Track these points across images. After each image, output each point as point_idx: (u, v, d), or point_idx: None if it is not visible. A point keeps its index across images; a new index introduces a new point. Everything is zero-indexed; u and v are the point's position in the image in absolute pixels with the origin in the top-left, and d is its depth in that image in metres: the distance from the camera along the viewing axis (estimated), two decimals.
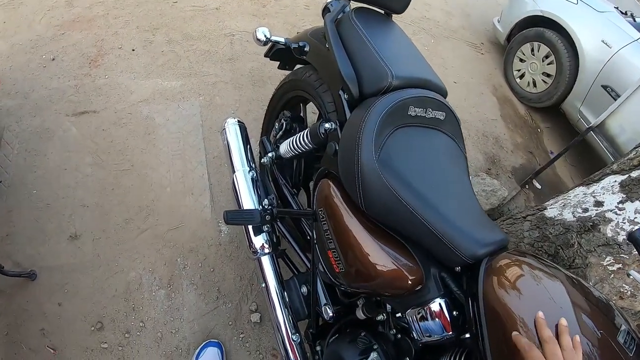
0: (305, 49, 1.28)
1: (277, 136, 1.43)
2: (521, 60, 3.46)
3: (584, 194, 1.78)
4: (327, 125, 1.07)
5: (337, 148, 1.01)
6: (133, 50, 2.26)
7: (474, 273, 0.81)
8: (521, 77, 3.48)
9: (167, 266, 1.58)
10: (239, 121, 1.45)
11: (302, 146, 1.21)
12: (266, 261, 1.26)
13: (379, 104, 0.94)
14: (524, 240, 1.87)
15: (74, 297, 1.50)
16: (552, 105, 3.30)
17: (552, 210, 1.83)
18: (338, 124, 1.07)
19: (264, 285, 1.25)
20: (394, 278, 0.88)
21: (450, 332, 0.82)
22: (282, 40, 1.31)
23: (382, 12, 1.27)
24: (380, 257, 0.90)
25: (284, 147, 1.30)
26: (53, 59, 2.15)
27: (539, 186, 2.76)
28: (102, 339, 1.44)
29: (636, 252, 1.03)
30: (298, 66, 1.50)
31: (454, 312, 0.82)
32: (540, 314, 0.67)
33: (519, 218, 1.97)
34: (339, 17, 1.20)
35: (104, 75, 2.11)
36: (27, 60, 2.14)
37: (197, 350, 1.45)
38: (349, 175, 0.92)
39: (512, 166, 2.84)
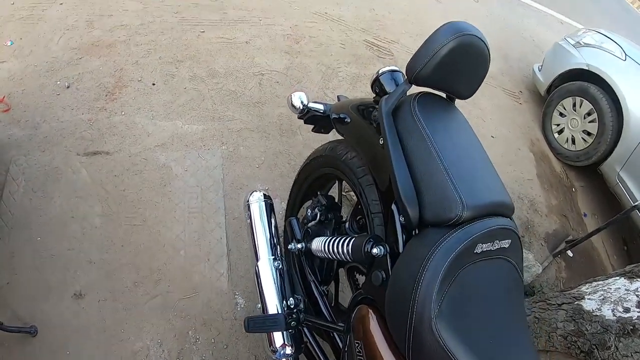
0: (346, 121, 1.40)
1: (309, 224, 1.57)
2: (561, 114, 3.83)
3: (626, 289, 1.87)
4: (375, 250, 1.09)
5: (384, 278, 1.06)
6: (153, 84, 2.55)
7: None
8: (560, 132, 3.84)
9: (177, 339, 1.77)
10: (264, 195, 1.62)
11: (340, 255, 1.30)
12: None
13: (446, 246, 0.96)
14: (557, 331, 1.96)
15: None
16: (589, 165, 3.59)
17: (590, 302, 1.93)
18: (388, 250, 1.09)
19: None
20: None
21: None
22: (320, 108, 1.48)
23: (444, 95, 1.33)
24: None
25: (317, 245, 1.42)
26: (68, 87, 2.45)
27: (570, 254, 3.08)
28: None
29: None
30: (332, 130, 1.62)
31: None
32: None
33: (554, 304, 2.08)
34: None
35: (120, 111, 2.39)
36: (41, 85, 2.43)
37: None
38: (399, 323, 0.97)
39: (545, 232, 3.13)
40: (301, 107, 1.47)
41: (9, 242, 1.90)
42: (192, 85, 2.61)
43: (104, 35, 2.78)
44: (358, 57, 3.45)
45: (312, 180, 1.72)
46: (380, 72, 1.32)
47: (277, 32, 3.25)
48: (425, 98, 1.23)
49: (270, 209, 1.62)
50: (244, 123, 2.53)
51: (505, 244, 1.07)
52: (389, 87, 1.29)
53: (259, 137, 2.49)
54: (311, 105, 1.48)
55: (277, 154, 2.44)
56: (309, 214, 1.58)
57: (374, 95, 1.36)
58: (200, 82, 2.65)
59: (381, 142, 1.15)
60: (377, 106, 1.27)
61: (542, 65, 4.19)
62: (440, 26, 1.13)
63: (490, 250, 1.03)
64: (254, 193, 1.64)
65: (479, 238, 0.99)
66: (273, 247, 1.54)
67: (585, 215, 3.54)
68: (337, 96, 1.66)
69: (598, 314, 1.86)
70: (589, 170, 3.70)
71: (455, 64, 1.15)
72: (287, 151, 2.47)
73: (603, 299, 1.93)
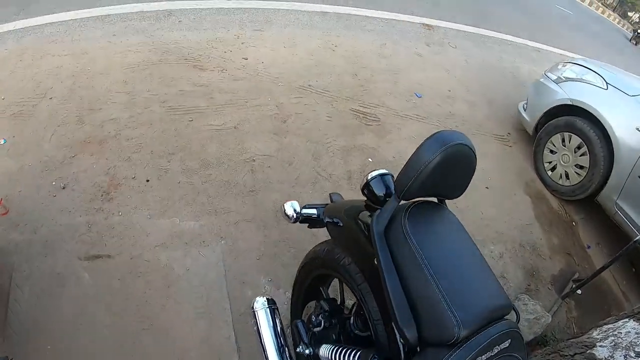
0: (338, 225, 1.54)
1: (314, 329, 1.70)
2: (552, 151, 4.05)
3: (636, 333, 1.99)
4: None
5: None
6: (147, 180, 2.75)
7: None
8: (553, 169, 4.06)
9: None
10: (268, 300, 1.76)
11: None
12: None
13: None
14: None
15: None
16: (586, 198, 3.81)
17: (602, 350, 2.02)
18: None
19: None
20: None
21: None
22: (314, 212, 1.64)
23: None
24: None
25: (324, 353, 1.58)
26: (64, 188, 2.62)
27: (579, 291, 3.22)
28: None
29: None
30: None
31: None
32: None
33: (567, 356, 2.18)
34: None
35: (117, 212, 2.57)
36: (37, 187, 2.60)
37: None
38: None
39: (551, 275, 3.32)
40: (295, 216, 1.65)
41: (19, 351, 2.00)
42: (185, 179, 2.82)
43: (94, 131, 2.99)
44: (346, 128, 3.70)
45: (312, 279, 1.88)
46: (369, 177, 1.43)
47: (264, 113, 3.50)
48: (415, 210, 1.32)
49: (274, 313, 1.77)
50: (240, 214, 2.72)
51: (506, 344, 1.16)
52: (378, 191, 1.42)
53: (256, 227, 2.68)
54: (304, 211, 1.66)
55: (276, 243, 2.62)
56: (313, 320, 1.71)
57: (365, 199, 1.50)
58: (194, 175, 2.86)
59: (375, 262, 1.24)
60: (369, 213, 1.42)
61: (526, 104, 4.45)
62: (426, 139, 1.23)
63: (491, 356, 1.13)
64: (258, 299, 1.78)
65: (479, 352, 1.09)
66: (281, 350, 1.68)
67: (589, 247, 3.73)
68: (330, 194, 1.82)
69: None
70: (587, 201, 3.92)
71: (443, 174, 1.26)
72: (285, 239, 2.66)
73: (614, 345, 2.03)
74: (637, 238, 2.85)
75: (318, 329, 1.69)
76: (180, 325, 2.21)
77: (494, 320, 1.18)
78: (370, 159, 3.49)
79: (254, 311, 1.76)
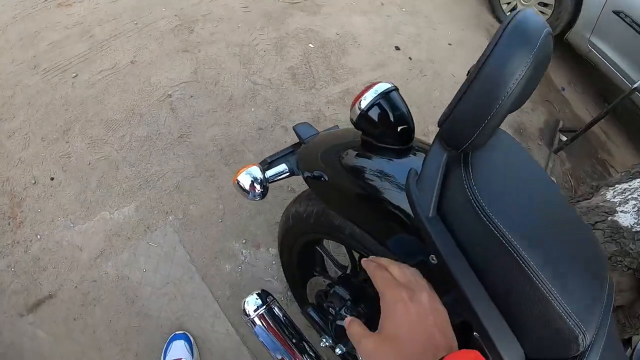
0: (322, 179, 1.14)
1: (338, 322, 1.29)
2: None
3: None
4: None
5: None
6: (52, 179, 2.18)
7: None
8: (513, 10, 3.80)
9: None
10: (259, 295, 1.35)
11: None
12: None
13: None
14: None
15: None
16: (554, 37, 3.50)
17: (625, 216, 1.99)
18: None
19: None
20: None
21: None
22: (284, 170, 1.23)
23: None
24: None
25: None
26: None
27: (564, 138, 3.27)
28: None
29: None
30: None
31: None
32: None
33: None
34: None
35: (35, 236, 2.04)
36: None
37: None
38: None
39: (538, 129, 3.31)
40: (259, 189, 1.17)
41: None
42: (95, 156, 2.24)
43: None
44: (270, 15, 3.10)
45: (302, 244, 1.47)
46: (363, 105, 0.98)
47: (163, 29, 2.81)
48: (476, 160, 0.85)
49: (272, 310, 1.37)
50: (179, 172, 2.21)
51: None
52: (384, 122, 0.99)
53: (204, 181, 2.19)
54: (269, 174, 1.20)
55: (234, 193, 2.14)
56: (332, 312, 1.28)
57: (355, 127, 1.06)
58: (103, 146, 2.27)
59: (433, 261, 0.81)
60: (359, 153, 1.06)
61: None
62: (501, 36, 0.71)
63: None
64: (248, 301, 1.36)
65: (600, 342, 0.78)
66: (300, 350, 1.34)
67: (563, 89, 3.71)
68: (294, 129, 1.34)
69: (638, 229, 1.92)
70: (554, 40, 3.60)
71: (524, 87, 0.76)
72: None
73: (638, 210, 1.99)
74: (637, 85, 2.70)
75: (334, 318, 1.27)
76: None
77: (606, 293, 0.83)
78: (311, 45, 3.00)
79: (251, 320, 1.35)
